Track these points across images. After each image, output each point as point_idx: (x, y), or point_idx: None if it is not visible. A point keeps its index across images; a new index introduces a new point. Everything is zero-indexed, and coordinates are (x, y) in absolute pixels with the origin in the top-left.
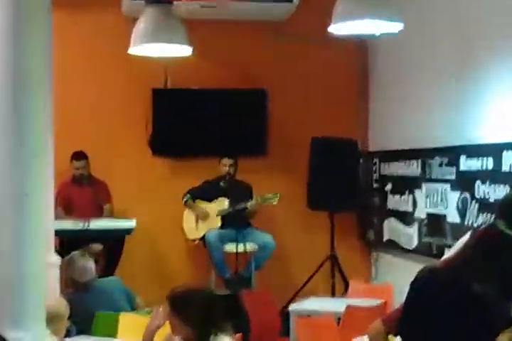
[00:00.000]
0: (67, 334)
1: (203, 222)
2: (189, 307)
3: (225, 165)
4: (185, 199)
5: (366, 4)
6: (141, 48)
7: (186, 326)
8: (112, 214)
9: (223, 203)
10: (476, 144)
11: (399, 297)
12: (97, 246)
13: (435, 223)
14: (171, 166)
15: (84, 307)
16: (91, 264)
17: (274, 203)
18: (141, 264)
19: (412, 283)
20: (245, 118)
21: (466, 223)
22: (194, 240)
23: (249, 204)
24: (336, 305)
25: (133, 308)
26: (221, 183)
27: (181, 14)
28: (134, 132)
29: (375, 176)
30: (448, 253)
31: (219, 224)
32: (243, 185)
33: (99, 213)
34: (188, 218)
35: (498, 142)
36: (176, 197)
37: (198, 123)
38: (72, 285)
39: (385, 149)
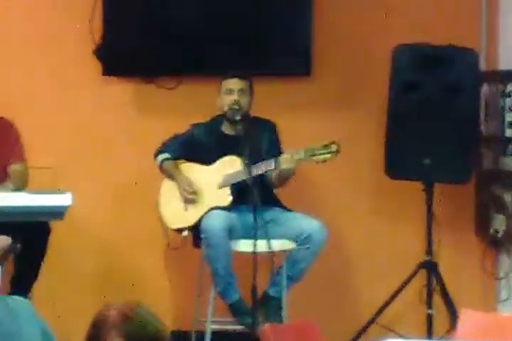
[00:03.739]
0: None
1: (191, 202)
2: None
3: (230, 91)
4: (160, 160)
5: None
6: None
7: None
8: (24, 182)
9: (232, 164)
10: None
11: None
12: (1, 240)
13: None
14: (136, 94)
15: None
16: None
17: (328, 157)
18: (79, 275)
19: None
20: (269, 9)
21: None
22: (180, 231)
23: (282, 160)
24: None
25: None
26: (223, 127)
27: None
28: (71, 35)
29: (510, 117)
30: None
31: (226, 202)
32: (264, 126)
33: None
34: (169, 193)
35: None
36: (146, 151)
37: (181, 19)
38: None
39: None
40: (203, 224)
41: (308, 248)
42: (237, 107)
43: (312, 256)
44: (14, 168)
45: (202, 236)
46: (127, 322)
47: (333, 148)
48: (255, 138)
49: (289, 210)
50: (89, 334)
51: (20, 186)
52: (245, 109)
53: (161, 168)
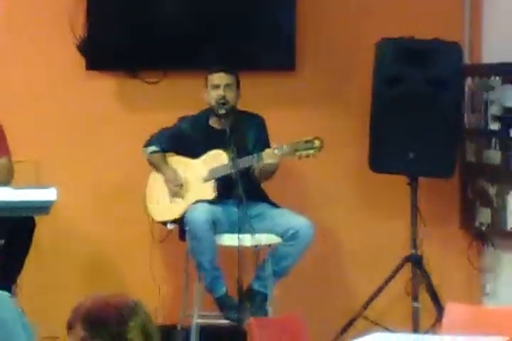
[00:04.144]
0: None
1: (177, 195)
2: (122, 329)
3: (216, 87)
4: (148, 152)
5: None
6: None
7: None
8: (10, 177)
9: (218, 158)
10: None
11: None
12: None
13: None
14: (119, 88)
15: None
16: None
17: (311, 153)
18: (63, 269)
19: None
20: (254, 3)
21: None
22: (165, 223)
23: (265, 155)
24: None
25: None
26: (211, 121)
27: None
28: (54, 30)
29: (494, 110)
30: None
31: (211, 195)
32: (251, 121)
33: None
34: (156, 185)
35: None
36: (130, 145)
37: (166, 13)
38: None
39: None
40: (187, 217)
41: (294, 244)
42: (223, 101)
43: (299, 253)
44: (0, 162)
45: (186, 228)
46: (93, 314)
47: (316, 143)
48: (242, 133)
49: (277, 206)
50: (67, 320)
51: (6, 181)
52: (232, 103)
53: (148, 160)
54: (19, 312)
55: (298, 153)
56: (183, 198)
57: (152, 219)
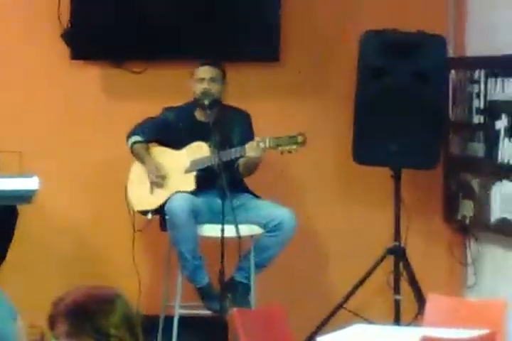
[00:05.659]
0: None
1: (158, 186)
2: (103, 321)
3: (201, 80)
4: (131, 142)
5: None
6: None
7: None
8: None
9: (200, 150)
10: None
11: None
12: None
13: None
14: (104, 78)
15: None
16: None
17: (293, 148)
18: (45, 259)
19: None
20: None
21: None
22: (145, 213)
23: (248, 148)
24: (402, 338)
25: None
26: (196, 113)
27: None
28: (38, 19)
29: (478, 103)
30: None
31: (191, 186)
32: (237, 116)
33: None
34: (137, 176)
35: None
36: (114, 135)
37: (150, 3)
38: None
39: (496, 54)
40: (167, 206)
41: (277, 235)
42: (208, 97)
43: (282, 244)
44: None
45: (166, 217)
46: (75, 308)
47: (299, 139)
48: (226, 127)
49: (259, 197)
50: (49, 314)
51: None
52: (216, 96)
53: (131, 150)
54: (2, 295)
55: (280, 148)
56: (163, 188)
57: (132, 208)
